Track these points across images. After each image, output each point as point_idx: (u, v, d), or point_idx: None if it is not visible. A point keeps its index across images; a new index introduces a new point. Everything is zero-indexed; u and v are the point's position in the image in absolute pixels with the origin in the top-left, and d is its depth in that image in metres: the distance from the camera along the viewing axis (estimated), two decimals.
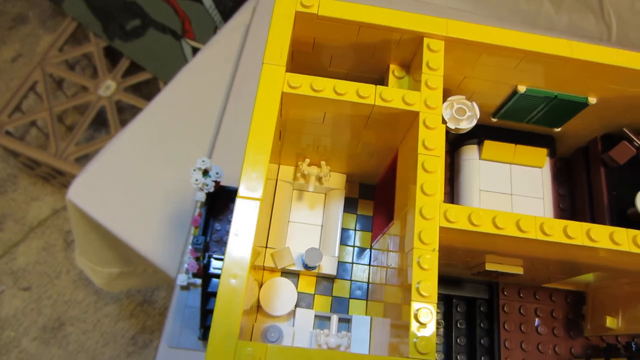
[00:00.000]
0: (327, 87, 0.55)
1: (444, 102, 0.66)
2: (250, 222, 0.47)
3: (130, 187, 1.13)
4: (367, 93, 0.55)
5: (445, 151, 0.83)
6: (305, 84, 0.55)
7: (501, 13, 1.40)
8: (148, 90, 2.10)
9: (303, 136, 0.66)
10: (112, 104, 1.98)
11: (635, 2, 1.26)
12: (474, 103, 0.67)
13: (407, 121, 0.58)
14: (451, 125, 0.66)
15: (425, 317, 0.46)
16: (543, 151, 0.77)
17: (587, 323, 0.74)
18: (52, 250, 2.02)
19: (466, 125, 0.66)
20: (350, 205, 0.77)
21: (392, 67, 0.65)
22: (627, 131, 0.72)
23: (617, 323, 0.68)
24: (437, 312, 0.76)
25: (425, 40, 0.59)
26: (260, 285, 0.68)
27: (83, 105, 2.05)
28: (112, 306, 1.94)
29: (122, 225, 1.09)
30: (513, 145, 0.76)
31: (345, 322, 0.68)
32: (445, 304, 0.79)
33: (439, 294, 0.76)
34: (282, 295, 0.66)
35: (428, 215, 0.50)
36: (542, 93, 0.67)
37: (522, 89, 0.67)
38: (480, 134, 0.77)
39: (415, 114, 0.56)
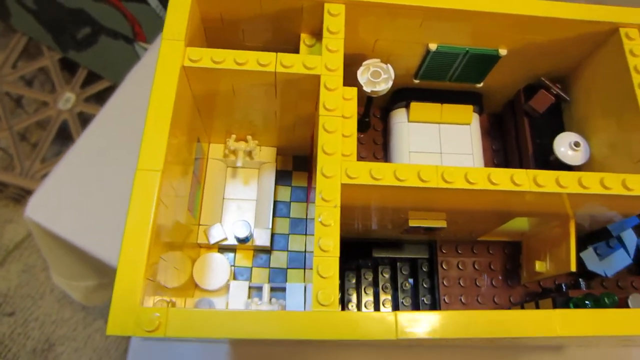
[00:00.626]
0: (227, 58, 0.56)
1: (360, 66, 0.68)
2: (149, 195, 0.48)
3: (89, 197, 1.11)
4: (267, 61, 0.56)
5: (378, 116, 0.85)
6: (205, 57, 0.56)
7: None
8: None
9: (221, 111, 0.67)
10: (74, 117, 1.97)
11: None
12: (389, 65, 0.68)
13: (313, 86, 0.59)
14: (367, 89, 0.67)
15: (326, 271, 0.48)
16: (469, 108, 0.78)
17: (523, 271, 0.76)
18: (32, 271, 1.99)
19: (383, 87, 0.67)
20: (285, 177, 0.79)
21: (303, 36, 0.66)
22: (544, 80, 0.73)
23: (546, 266, 0.69)
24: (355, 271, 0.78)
25: (326, 6, 0.60)
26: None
27: (45, 121, 2.02)
28: (101, 320, 1.92)
29: (86, 236, 1.07)
30: (439, 104, 0.78)
31: (282, 291, 0.70)
32: (391, 267, 0.80)
33: (383, 257, 0.79)
34: (215, 269, 0.68)
35: (329, 173, 0.52)
36: (453, 49, 0.68)
37: (433, 46, 0.68)
38: (407, 96, 0.78)
39: (317, 77, 0.57)
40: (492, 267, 0.77)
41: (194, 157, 0.67)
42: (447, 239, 0.77)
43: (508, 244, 0.78)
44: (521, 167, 0.77)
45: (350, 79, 0.65)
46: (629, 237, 0.74)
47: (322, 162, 0.52)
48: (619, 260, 0.73)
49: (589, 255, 0.73)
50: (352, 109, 0.62)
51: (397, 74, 0.74)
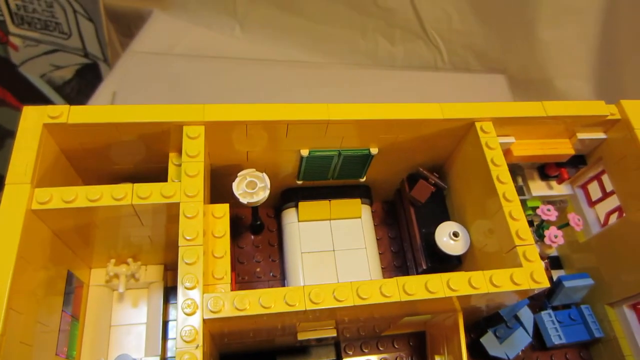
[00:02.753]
0: (79, 196, 0.54)
1: (235, 177, 0.67)
2: None
3: None
4: (121, 194, 0.55)
5: (272, 216, 0.84)
6: (55, 197, 0.53)
7: (343, 57, 1.45)
8: None
9: (90, 241, 0.64)
10: None
11: (451, 22, 1.36)
12: (264, 174, 0.68)
13: (177, 212, 0.57)
14: (244, 201, 0.66)
15: None
16: (357, 201, 0.79)
17: (429, 358, 0.74)
18: None
19: (260, 197, 0.67)
20: (175, 294, 0.75)
21: (171, 155, 0.65)
22: (421, 170, 0.75)
23: (446, 358, 0.68)
24: None
25: (185, 128, 0.60)
26: None
27: None
28: None
29: None
30: (327, 201, 0.78)
31: None
32: None
33: None
34: None
35: (188, 309, 0.49)
36: (325, 152, 0.69)
37: (305, 152, 0.69)
38: (295, 196, 0.78)
39: (177, 205, 0.55)
40: None
41: (63, 292, 0.62)
42: (352, 337, 0.75)
43: (413, 335, 0.77)
44: (413, 256, 0.77)
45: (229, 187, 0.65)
46: (526, 315, 0.74)
47: (182, 298, 0.50)
48: (520, 340, 0.73)
49: (488, 339, 0.73)
50: (223, 227, 0.61)
51: (280, 176, 0.75)
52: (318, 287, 0.52)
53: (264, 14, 1.48)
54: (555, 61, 1.26)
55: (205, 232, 0.60)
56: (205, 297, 0.50)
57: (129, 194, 0.55)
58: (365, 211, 0.80)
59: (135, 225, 0.60)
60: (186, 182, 0.56)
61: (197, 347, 0.48)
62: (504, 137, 0.70)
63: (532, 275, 0.57)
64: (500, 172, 0.63)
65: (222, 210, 0.62)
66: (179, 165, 0.65)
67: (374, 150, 0.70)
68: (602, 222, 0.79)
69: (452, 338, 0.66)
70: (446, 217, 0.75)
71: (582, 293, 0.77)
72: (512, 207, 0.61)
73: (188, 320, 0.49)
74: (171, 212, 0.57)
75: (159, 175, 0.64)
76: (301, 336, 0.63)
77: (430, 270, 0.73)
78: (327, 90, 1.32)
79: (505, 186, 0.62)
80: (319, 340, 0.64)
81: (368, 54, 1.45)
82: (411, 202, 0.77)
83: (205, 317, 0.50)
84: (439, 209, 0.76)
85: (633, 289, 0.71)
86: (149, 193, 0.55)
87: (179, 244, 0.53)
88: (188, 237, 0.53)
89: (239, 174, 0.67)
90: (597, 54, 1.19)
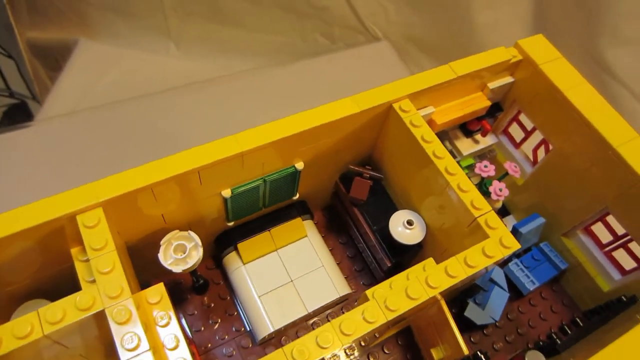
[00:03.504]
0: None
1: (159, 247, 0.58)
2: None
3: None
4: (26, 329, 0.43)
5: (213, 267, 0.75)
6: None
7: (284, 60, 1.38)
8: None
9: None
10: None
11: (388, 15, 1.35)
12: (190, 232, 0.59)
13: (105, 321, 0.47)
14: (179, 269, 0.57)
15: None
16: (298, 221, 0.72)
17: (425, 357, 0.70)
18: None
19: (195, 259, 0.58)
20: None
21: (73, 252, 0.54)
22: (353, 167, 0.70)
23: (442, 351, 0.65)
24: None
25: (79, 218, 0.49)
26: None
27: None
28: None
29: None
30: (267, 232, 0.71)
31: None
32: None
33: None
34: None
35: None
36: (249, 185, 0.62)
37: (227, 193, 0.61)
38: (231, 239, 0.70)
39: (102, 313, 0.46)
40: None
41: None
42: None
43: (399, 334, 0.73)
44: (372, 254, 0.73)
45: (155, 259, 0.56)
46: (497, 273, 0.73)
47: None
48: (499, 299, 0.72)
49: (471, 310, 0.71)
50: (164, 310, 0.52)
51: (207, 224, 0.66)
52: (299, 342, 0.46)
53: (198, 30, 1.40)
54: (494, 42, 1.27)
55: (148, 326, 0.51)
56: None
57: (35, 324, 0.44)
58: (309, 227, 0.74)
59: (58, 352, 0.49)
60: (103, 282, 0.46)
61: None
62: (423, 109, 0.67)
63: (502, 241, 0.54)
64: (435, 148, 0.60)
65: (157, 292, 0.53)
66: (88, 260, 0.54)
67: (299, 166, 0.64)
68: (532, 159, 0.79)
69: (442, 327, 0.62)
70: (393, 207, 0.71)
71: (537, 233, 0.77)
72: (458, 179, 0.58)
73: None
74: (99, 324, 0.47)
75: (67, 278, 0.54)
76: None
77: (396, 265, 0.69)
78: (268, 94, 1.24)
79: (444, 160, 0.59)
80: None
81: (310, 52, 1.40)
82: (353, 203, 0.72)
83: None
84: (383, 201, 0.72)
85: (580, 215, 0.72)
86: (62, 313, 0.45)
87: (121, 359, 0.43)
88: (129, 347, 0.44)
89: (161, 242, 0.58)
90: (532, 33, 1.24)
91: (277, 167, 0.62)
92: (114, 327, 0.45)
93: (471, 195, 0.57)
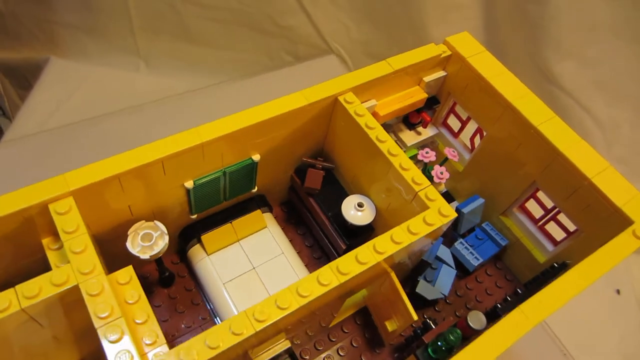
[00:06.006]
0: None
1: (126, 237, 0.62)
2: None
3: None
4: (5, 302, 0.47)
5: (178, 261, 0.79)
6: None
7: (247, 81, 1.43)
8: None
9: None
10: None
11: (350, 33, 1.43)
12: (156, 221, 0.63)
13: (78, 296, 0.51)
14: (146, 256, 0.61)
15: None
16: (258, 213, 0.77)
17: (381, 332, 0.76)
18: None
19: (161, 246, 0.62)
20: None
21: (44, 242, 0.57)
22: (306, 159, 0.76)
23: (396, 323, 0.70)
24: None
25: (50, 207, 0.53)
26: None
27: None
28: None
29: None
30: (229, 224, 0.75)
31: None
32: None
33: None
34: None
35: None
36: (210, 177, 0.66)
37: (189, 184, 0.65)
38: (194, 232, 0.74)
39: (76, 288, 0.49)
40: (353, 344, 0.75)
41: None
42: (303, 342, 0.74)
43: (357, 314, 0.78)
44: (329, 242, 0.78)
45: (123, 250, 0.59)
46: (444, 252, 0.80)
47: None
48: (447, 276, 0.79)
49: (422, 287, 0.77)
50: (135, 290, 0.55)
51: (171, 218, 0.70)
52: (259, 305, 0.50)
53: (167, 48, 1.45)
54: None
55: (119, 303, 0.54)
56: None
57: (13, 299, 0.47)
58: (269, 218, 0.79)
59: (33, 332, 0.52)
60: (77, 260, 0.50)
61: None
62: (366, 102, 0.74)
63: (440, 211, 0.61)
64: (378, 133, 0.66)
65: (127, 274, 0.56)
66: (59, 248, 0.57)
67: (255, 157, 0.69)
68: (470, 147, 0.87)
69: (394, 300, 0.68)
70: (345, 194, 0.77)
71: (479, 214, 0.84)
72: (400, 159, 0.65)
73: None
74: (72, 299, 0.51)
75: (38, 270, 0.56)
76: None
77: (350, 248, 0.75)
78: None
79: (387, 143, 0.66)
80: (276, 358, 0.62)
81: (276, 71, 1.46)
82: (308, 193, 0.77)
83: None
84: (336, 190, 0.78)
85: (514, 193, 0.80)
86: (38, 289, 0.48)
87: (96, 326, 0.47)
88: (102, 315, 0.47)
89: (128, 232, 0.62)
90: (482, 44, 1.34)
91: (235, 159, 0.68)
92: (87, 299, 0.48)
93: (412, 173, 0.64)
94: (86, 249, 0.51)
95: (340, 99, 0.69)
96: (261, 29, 1.42)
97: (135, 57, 1.44)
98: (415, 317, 0.64)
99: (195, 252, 0.74)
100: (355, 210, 0.72)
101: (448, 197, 0.93)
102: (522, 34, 1.28)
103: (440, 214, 0.61)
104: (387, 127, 0.85)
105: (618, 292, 1.18)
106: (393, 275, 0.67)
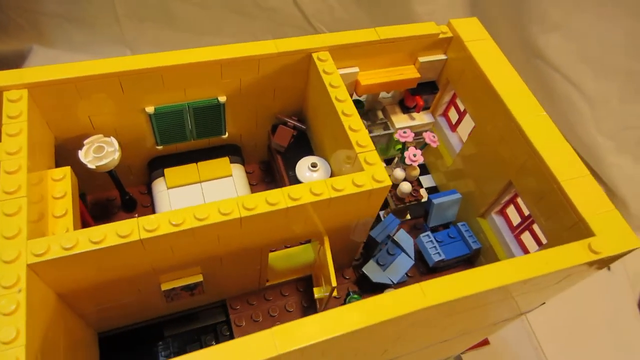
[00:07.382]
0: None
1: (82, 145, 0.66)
2: None
3: None
4: None
5: (145, 192, 0.82)
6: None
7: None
8: None
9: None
10: None
11: (334, 12, 1.42)
12: (112, 138, 0.67)
13: None
14: (92, 165, 0.65)
15: None
16: (225, 160, 0.79)
17: (317, 303, 0.73)
18: None
19: (108, 159, 0.65)
20: None
21: None
22: (279, 116, 0.76)
23: (323, 291, 0.68)
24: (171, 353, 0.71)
25: (5, 94, 0.58)
26: None
27: None
28: None
29: None
30: (194, 164, 0.77)
31: None
32: (196, 341, 0.74)
33: (177, 335, 0.73)
34: None
35: (7, 257, 0.47)
36: (172, 107, 0.69)
37: (150, 110, 0.68)
38: (161, 164, 0.77)
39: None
40: (287, 308, 0.74)
41: None
42: (237, 294, 0.74)
43: (301, 280, 0.76)
44: None
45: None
46: (406, 240, 0.76)
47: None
48: (403, 265, 0.74)
49: (370, 267, 0.73)
50: (63, 188, 0.59)
51: (138, 144, 0.73)
52: (202, 205, 0.52)
53: (152, 35, 1.50)
54: None
55: (44, 196, 0.58)
56: (30, 243, 0.48)
57: None
58: (237, 169, 0.80)
59: None
60: (6, 142, 0.54)
61: (19, 291, 0.45)
62: (348, 68, 0.73)
63: (374, 176, 0.58)
64: (338, 93, 0.65)
65: (62, 172, 0.60)
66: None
67: (222, 99, 0.70)
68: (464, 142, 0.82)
69: (324, 266, 0.66)
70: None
71: (454, 209, 0.79)
72: (350, 120, 0.63)
73: (7, 269, 0.46)
74: None
75: None
76: (165, 286, 0.61)
77: None
78: None
79: (344, 103, 0.64)
80: (185, 288, 0.62)
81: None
82: (276, 149, 0.77)
83: (28, 263, 0.47)
84: (304, 152, 0.77)
85: (491, 195, 0.74)
86: None
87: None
88: (9, 191, 0.51)
89: (85, 142, 0.66)
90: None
91: (200, 95, 0.69)
92: (2, 176, 0.52)
93: (359, 135, 0.61)
94: (20, 133, 0.55)
95: (315, 56, 0.68)
96: (245, 12, 1.42)
97: (120, 45, 1.47)
98: (334, 283, 0.62)
99: (158, 184, 0.77)
100: (310, 171, 0.70)
101: (435, 191, 0.88)
102: (508, 8, 1.22)
103: (373, 179, 0.58)
104: (378, 104, 0.83)
105: (609, 268, 1.11)
106: (326, 239, 0.65)
